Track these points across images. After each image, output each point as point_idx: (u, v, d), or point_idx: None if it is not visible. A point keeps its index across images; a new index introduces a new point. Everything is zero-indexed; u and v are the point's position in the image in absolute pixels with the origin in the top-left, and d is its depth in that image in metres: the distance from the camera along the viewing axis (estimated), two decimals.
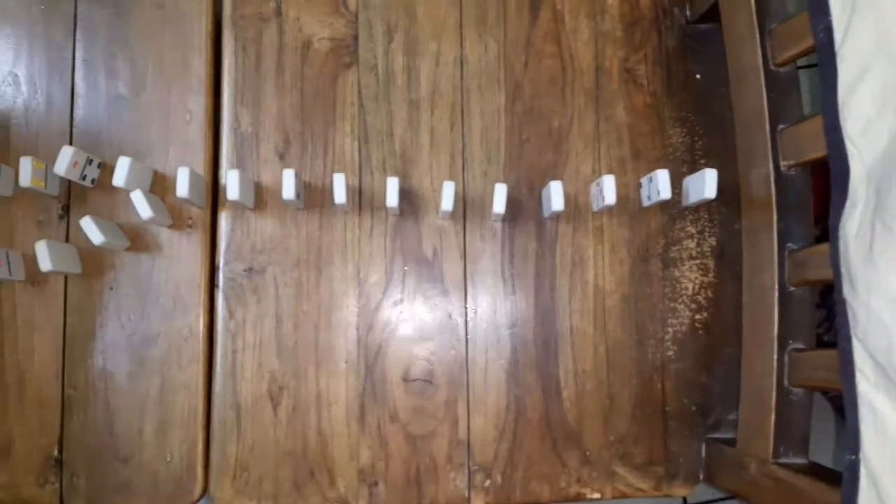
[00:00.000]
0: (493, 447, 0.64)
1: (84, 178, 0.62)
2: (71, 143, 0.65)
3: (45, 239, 0.58)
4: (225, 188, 0.61)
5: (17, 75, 0.66)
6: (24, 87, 0.65)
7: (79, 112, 0.65)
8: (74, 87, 0.66)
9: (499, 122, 0.67)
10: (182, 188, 0.59)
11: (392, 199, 0.59)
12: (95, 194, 0.65)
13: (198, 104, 0.66)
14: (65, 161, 0.59)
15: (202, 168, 0.65)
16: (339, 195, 0.59)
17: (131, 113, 0.65)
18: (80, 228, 0.58)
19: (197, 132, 0.66)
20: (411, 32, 0.67)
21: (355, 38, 0.67)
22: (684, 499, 1.11)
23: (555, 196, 0.60)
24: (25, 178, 0.59)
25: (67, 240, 0.64)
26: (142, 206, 0.59)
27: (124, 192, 0.60)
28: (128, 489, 0.62)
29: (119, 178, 0.59)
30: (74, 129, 0.65)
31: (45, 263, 0.58)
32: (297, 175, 0.60)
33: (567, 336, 0.65)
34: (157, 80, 0.66)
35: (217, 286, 0.64)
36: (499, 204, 0.60)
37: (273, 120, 0.66)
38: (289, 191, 0.59)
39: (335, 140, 0.66)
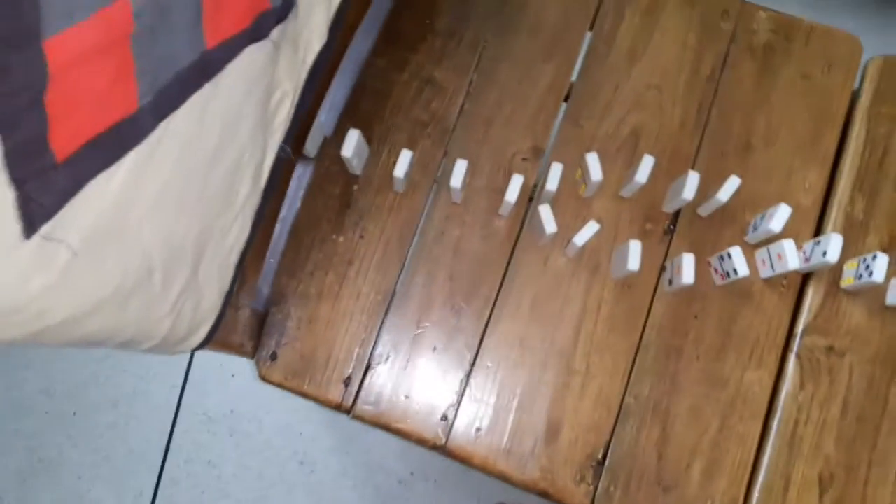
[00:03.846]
0: None
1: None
2: (693, 168, 0.74)
3: (636, 239, 0.66)
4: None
5: (660, 88, 0.76)
6: (664, 100, 0.75)
7: (705, 145, 0.75)
8: (708, 121, 0.75)
9: None
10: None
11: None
12: (699, 222, 0.73)
13: (818, 175, 0.74)
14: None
15: (810, 235, 0.72)
16: None
17: (756, 162, 0.74)
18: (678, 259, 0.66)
19: (810, 199, 0.74)
20: None
21: None
22: None
23: None
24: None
25: (666, 257, 0.72)
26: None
27: (734, 225, 0.69)
28: None
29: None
30: (699, 157, 0.74)
31: (633, 263, 0.65)
32: None
33: None
34: (785, 141, 0.75)
35: (791, 351, 0.71)
36: None
37: (885, 216, 0.73)
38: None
39: None
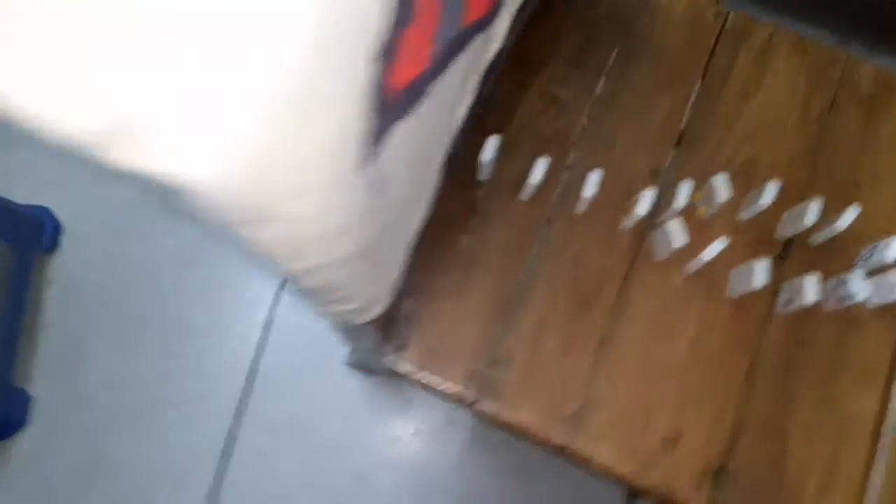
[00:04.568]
0: None
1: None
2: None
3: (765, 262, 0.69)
4: None
5: (771, 125, 0.80)
6: (775, 136, 0.80)
7: (815, 180, 0.79)
8: (817, 158, 0.80)
9: None
10: None
11: None
12: (810, 250, 0.76)
13: None
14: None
15: None
16: None
17: (863, 199, 0.78)
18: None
19: None
20: None
21: None
22: None
23: None
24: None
25: (779, 280, 0.75)
26: None
27: (843, 254, 0.73)
28: None
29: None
30: (809, 190, 0.78)
31: (760, 279, 0.68)
32: None
33: None
34: (891, 182, 0.79)
35: None
36: None
37: None
38: None
39: None
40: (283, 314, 1.22)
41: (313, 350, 1.22)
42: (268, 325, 1.21)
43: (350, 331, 0.64)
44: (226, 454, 1.16)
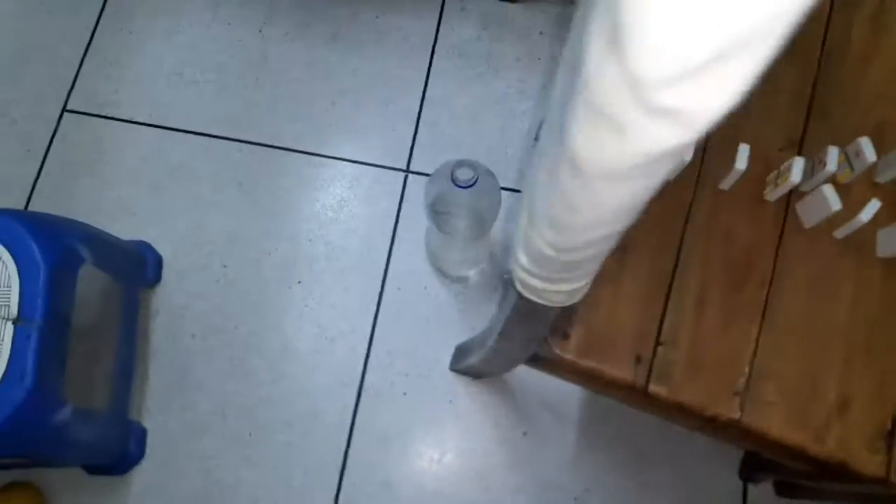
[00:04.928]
0: None
1: None
2: None
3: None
4: None
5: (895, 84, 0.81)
6: None
7: None
8: None
9: None
10: None
11: None
12: None
13: None
14: None
15: None
16: None
17: None
18: None
19: None
20: None
21: None
22: None
23: None
24: None
25: None
26: None
27: None
28: None
29: None
30: None
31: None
32: None
33: None
34: None
35: None
36: None
37: None
38: None
39: None
40: (384, 323, 1.23)
41: (416, 358, 1.22)
42: (371, 336, 1.22)
43: (529, 315, 0.64)
44: (343, 469, 1.16)
